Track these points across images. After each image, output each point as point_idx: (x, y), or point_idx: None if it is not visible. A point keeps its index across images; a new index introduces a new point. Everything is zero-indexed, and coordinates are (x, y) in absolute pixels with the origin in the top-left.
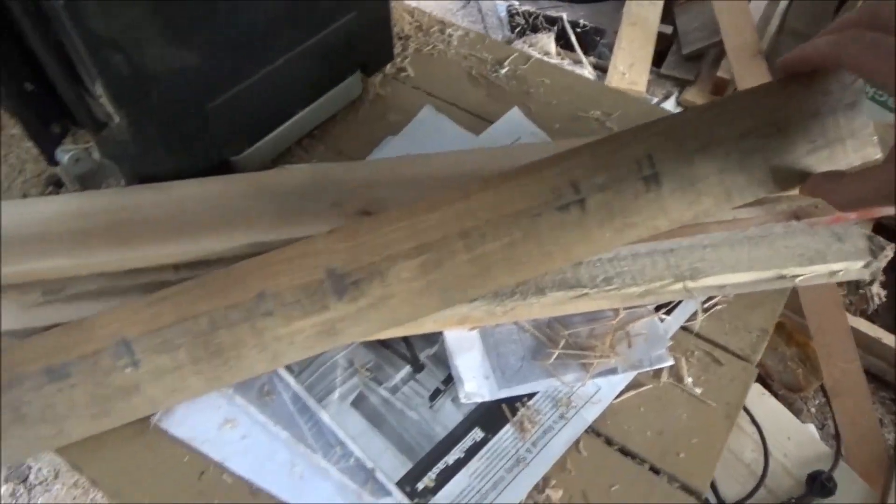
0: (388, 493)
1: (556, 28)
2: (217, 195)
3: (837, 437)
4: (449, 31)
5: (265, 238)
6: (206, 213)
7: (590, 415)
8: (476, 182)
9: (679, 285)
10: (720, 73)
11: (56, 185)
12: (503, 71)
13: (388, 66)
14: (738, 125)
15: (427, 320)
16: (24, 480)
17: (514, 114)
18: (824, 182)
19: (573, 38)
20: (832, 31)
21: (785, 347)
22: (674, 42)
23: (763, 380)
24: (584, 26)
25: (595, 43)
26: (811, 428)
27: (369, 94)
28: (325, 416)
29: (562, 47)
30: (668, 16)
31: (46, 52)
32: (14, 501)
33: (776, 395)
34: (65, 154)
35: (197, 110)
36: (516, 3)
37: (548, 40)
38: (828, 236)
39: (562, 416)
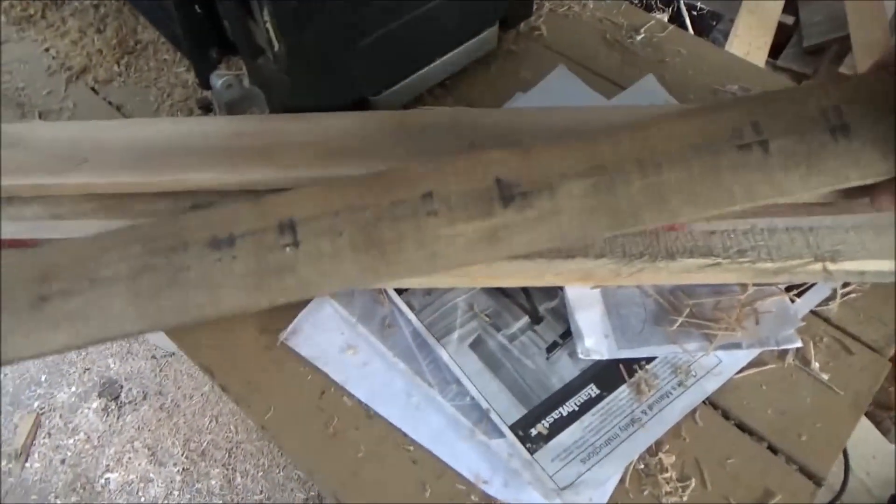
0: (501, 434)
1: (670, 9)
2: (361, 128)
3: None
4: None
5: None
6: (349, 143)
7: (709, 386)
8: (651, 119)
9: (817, 266)
10: (842, 70)
11: (205, 110)
12: (639, 37)
13: (522, 24)
14: None
15: (549, 273)
16: (116, 398)
17: (649, 81)
18: None
19: (688, 21)
20: None
21: None
22: (794, 34)
23: None
24: (701, 9)
25: (710, 28)
26: None
27: (502, 50)
28: (443, 354)
29: None
30: (790, 5)
31: None
32: (105, 416)
33: (864, 412)
34: (219, 79)
35: (349, 46)
36: None
37: (661, 20)
38: None
39: (680, 384)
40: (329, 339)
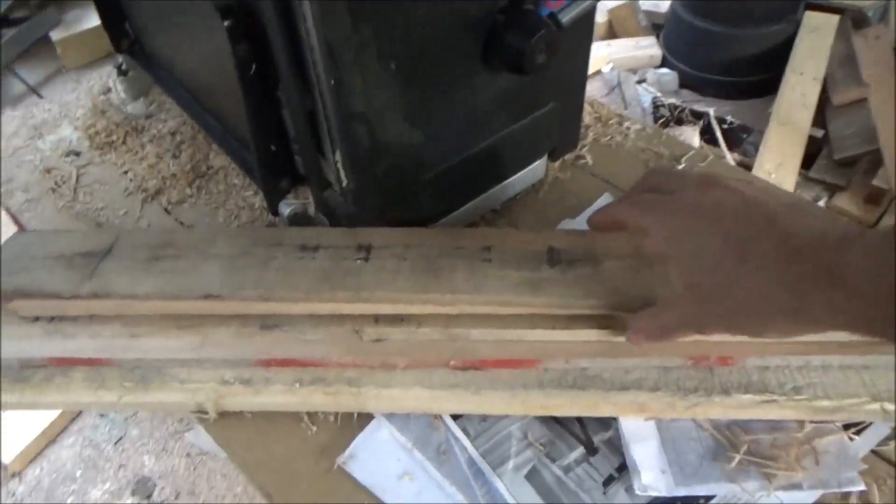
0: None
1: (701, 122)
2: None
3: None
4: (627, 124)
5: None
6: None
7: None
8: None
9: (875, 405)
10: (876, 182)
11: None
12: (680, 166)
13: (568, 154)
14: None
15: (604, 404)
16: (149, 496)
17: None
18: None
19: (718, 134)
20: (626, 195)
21: None
22: (824, 146)
23: None
24: (731, 123)
25: (740, 140)
26: None
27: (548, 178)
28: (499, 485)
29: (706, 142)
30: (819, 118)
31: (298, 120)
32: None
33: None
34: (287, 207)
35: (412, 181)
36: (661, 95)
37: (692, 133)
38: None
39: None
40: (385, 465)
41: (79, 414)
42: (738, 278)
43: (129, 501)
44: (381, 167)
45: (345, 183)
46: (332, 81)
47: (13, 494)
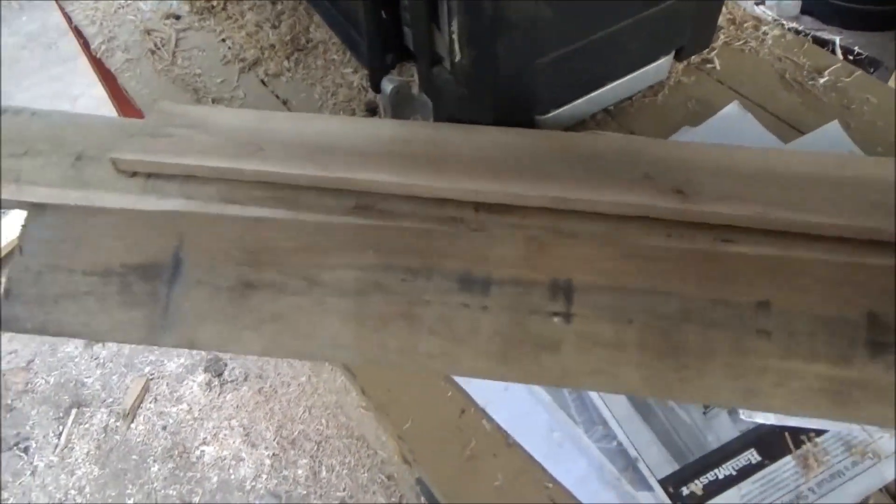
0: (649, 488)
1: (825, 50)
2: (530, 146)
3: None
4: (765, 28)
5: (571, 195)
6: (514, 160)
7: (889, 472)
8: None
9: None
10: None
11: (371, 112)
12: (822, 80)
13: (695, 56)
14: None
15: None
16: (219, 375)
17: (833, 128)
18: None
19: None
20: None
21: None
22: None
23: None
24: (859, 55)
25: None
26: None
27: (670, 80)
28: (592, 391)
29: None
30: None
31: None
32: (208, 391)
33: None
34: (389, 83)
35: (529, 63)
36: (782, 20)
37: None
38: None
39: (854, 464)
40: None
41: None
42: None
43: (202, 377)
44: (500, 43)
45: (458, 58)
46: None
47: (96, 357)
